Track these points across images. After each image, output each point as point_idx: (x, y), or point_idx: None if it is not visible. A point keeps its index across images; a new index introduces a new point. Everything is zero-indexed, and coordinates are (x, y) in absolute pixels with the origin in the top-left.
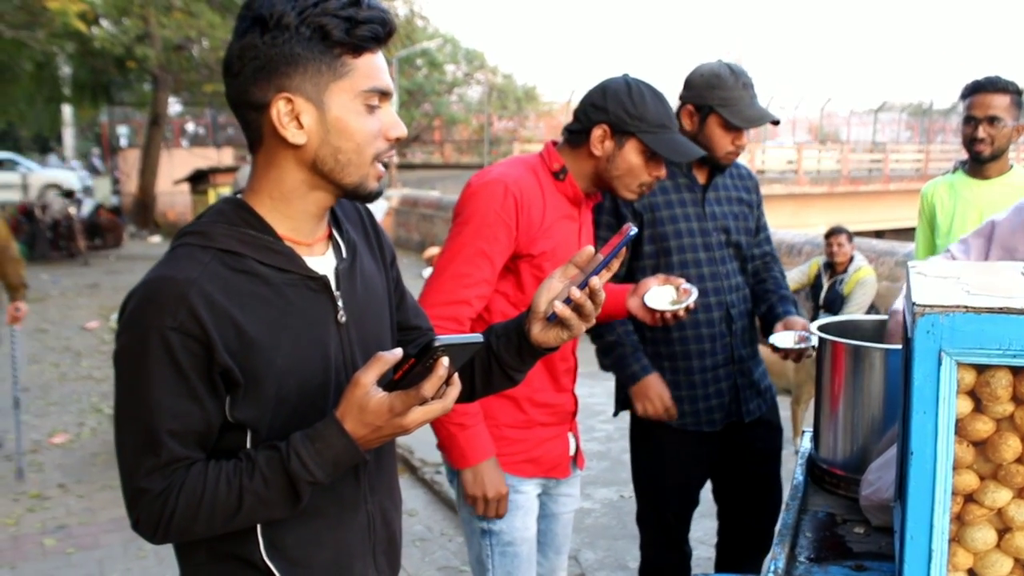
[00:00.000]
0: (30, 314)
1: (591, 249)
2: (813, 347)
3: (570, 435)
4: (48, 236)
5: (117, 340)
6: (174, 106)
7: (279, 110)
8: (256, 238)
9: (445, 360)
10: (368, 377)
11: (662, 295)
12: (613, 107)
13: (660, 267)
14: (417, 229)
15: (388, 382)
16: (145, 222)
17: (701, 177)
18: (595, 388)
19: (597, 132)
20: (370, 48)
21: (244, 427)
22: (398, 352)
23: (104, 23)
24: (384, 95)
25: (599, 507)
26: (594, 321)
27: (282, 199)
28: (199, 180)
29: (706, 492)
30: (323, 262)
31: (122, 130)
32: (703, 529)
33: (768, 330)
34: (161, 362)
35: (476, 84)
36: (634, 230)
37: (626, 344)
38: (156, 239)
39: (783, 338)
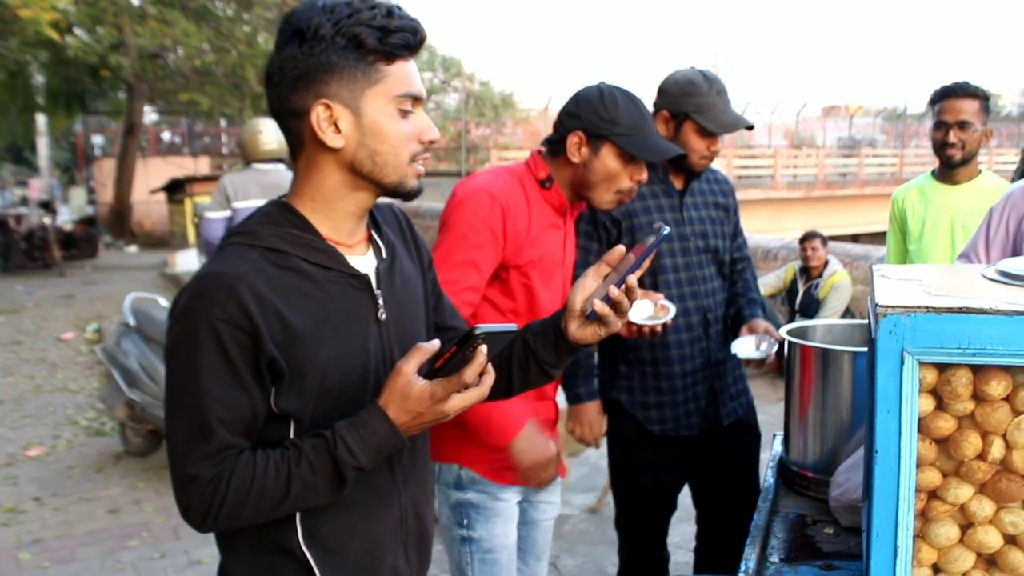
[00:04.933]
0: (4, 325)
1: (622, 248)
2: (773, 353)
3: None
4: (23, 247)
5: (168, 334)
6: (149, 115)
7: (318, 115)
8: (300, 237)
9: (484, 347)
10: (410, 366)
11: (640, 309)
12: (586, 113)
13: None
14: None
15: (428, 371)
16: (121, 232)
17: (678, 183)
18: None
19: (572, 139)
20: (402, 56)
21: (288, 418)
22: (436, 343)
23: (77, 31)
24: (417, 100)
25: (578, 513)
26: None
27: (324, 201)
28: (175, 189)
29: (684, 496)
30: (364, 261)
31: (97, 139)
32: (681, 534)
33: (735, 332)
34: (211, 352)
35: (453, 91)
36: (667, 229)
37: (581, 365)
38: (132, 249)
39: (744, 345)
